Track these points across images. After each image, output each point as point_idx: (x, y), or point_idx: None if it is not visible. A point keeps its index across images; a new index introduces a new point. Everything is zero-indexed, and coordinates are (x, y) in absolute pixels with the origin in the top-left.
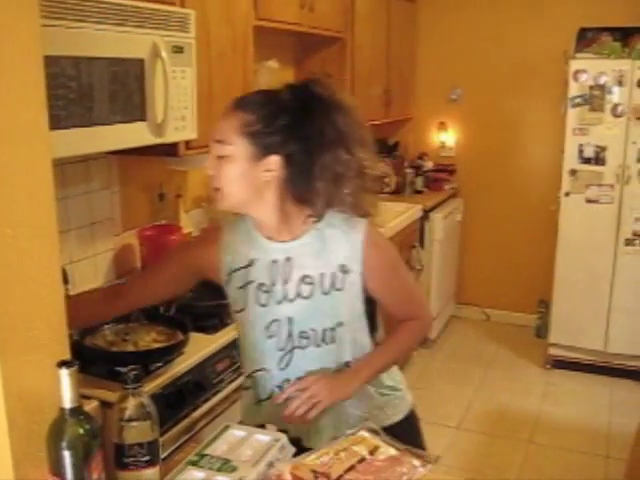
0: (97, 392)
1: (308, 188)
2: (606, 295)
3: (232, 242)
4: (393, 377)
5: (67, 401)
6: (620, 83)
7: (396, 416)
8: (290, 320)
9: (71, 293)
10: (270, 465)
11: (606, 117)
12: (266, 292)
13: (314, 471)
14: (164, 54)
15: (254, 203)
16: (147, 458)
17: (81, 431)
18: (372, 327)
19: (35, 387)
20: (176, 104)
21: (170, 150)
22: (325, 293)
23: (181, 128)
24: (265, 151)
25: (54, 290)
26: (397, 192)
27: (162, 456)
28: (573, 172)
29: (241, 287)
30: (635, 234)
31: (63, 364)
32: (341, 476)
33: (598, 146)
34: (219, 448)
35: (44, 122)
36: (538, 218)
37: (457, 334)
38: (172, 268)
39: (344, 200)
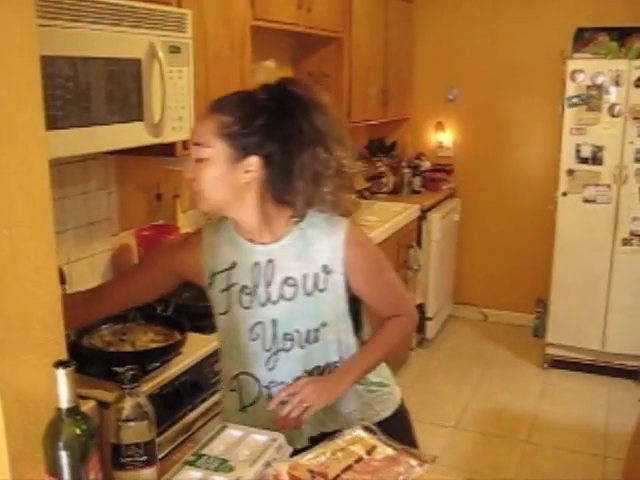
0: (94, 392)
1: (288, 188)
2: (603, 295)
3: (214, 245)
4: (380, 373)
5: (64, 401)
6: (617, 83)
7: (385, 412)
8: (274, 322)
9: (69, 293)
10: (267, 465)
11: (603, 117)
12: (249, 294)
13: (311, 471)
14: (161, 54)
15: (235, 205)
16: (144, 458)
17: (78, 431)
18: (358, 326)
19: (32, 387)
20: (173, 104)
21: (167, 150)
22: (308, 294)
23: (178, 128)
24: (244, 152)
25: (51, 290)
26: (395, 192)
27: (159, 456)
28: (570, 172)
29: (224, 290)
30: (632, 234)
31: (60, 364)
32: (338, 476)
33: (595, 146)
34: (216, 448)
35: (41, 122)
36: (535, 218)
37: (455, 334)
38: (153, 272)
39: (324, 199)
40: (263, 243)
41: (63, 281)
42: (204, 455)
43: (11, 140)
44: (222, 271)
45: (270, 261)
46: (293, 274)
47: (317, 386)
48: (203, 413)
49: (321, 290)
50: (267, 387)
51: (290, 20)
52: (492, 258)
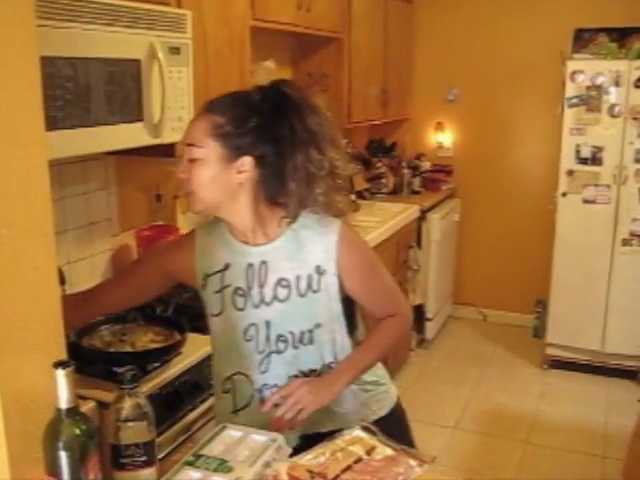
0: (94, 393)
1: (281, 189)
2: (603, 295)
3: (207, 246)
4: (375, 372)
5: (63, 401)
6: (617, 84)
7: (382, 411)
8: (268, 324)
9: (69, 294)
10: (267, 465)
11: (603, 117)
12: (242, 296)
13: (311, 471)
14: (161, 55)
15: (228, 206)
16: (144, 458)
17: (77, 431)
18: (352, 326)
19: (31, 387)
20: (173, 104)
21: (167, 151)
22: (301, 295)
23: (178, 129)
24: (237, 153)
25: (50, 291)
26: (394, 192)
27: (159, 456)
28: (570, 172)
29: (217, 291)
30: (632, 234)
31: (59, 364)
32: (338, 476)
33: (595, 146)
34: (216, 448)
35: (40, 123)
36: (535, 218)
37: (454, 334)
38: (146, 274)
39: (317, 200)
40: (256, 244)
41: (63, 281)
42: (203, 455)
43: (11, 140)
44: (215, 272)
45: (263, 262)
46: (286, 275)
47: (311, 387)
48: (203, 413)
49: (315, 291)
50: (259, 390)
51: (290, 20)
52: (492, 258)
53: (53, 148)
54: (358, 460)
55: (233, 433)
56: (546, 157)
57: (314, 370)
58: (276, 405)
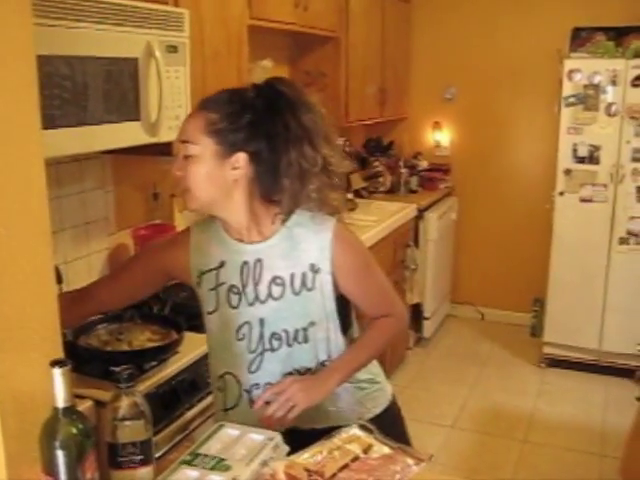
0: (91, 392)
1: (275, 186)
2: (600, 294)
3: (202, 244)
4: (371, 370)
5: (60, 400)
6: (614, 82)
7: (377, 409)
8: (262, 321)
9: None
10: (264, 464)
11: (600, 116)
12: (237, 294)
13: (308, 470)
14: (158, 53)
15: (223, 203)
16: (141, 457)
17: (74, 430)
18: (346, 325)
19: (28, 386)
20: (170, 103)
21: (164, 149)
22: (296, 293)
23: (175, 128)
24: (231, 149)
25: (47, 290)
26: (392, 191)
27: (156, 455)
28: (567, 171)
29: (212, 289)
30: (629, 233)
31: (56, 363)
32: (335, 475)
33: (592, 145)
34: (213, 447)
35: (37, 122)
36: (532, 217)
37: (452, 333)
38: (141, 271)
39: (310, 196)
40: (251, 242)
41: (60, 280)
42: (201, 454)
43: (7, 139)
44: (210, 270)
45: (258, 260)
46: (281, 273)
47: (303, 385)
48: (200, 412)
49: (309, 289)
50: (248, 391)
51: (287, 19)
52: (489, 257)
53: (50, 147)
54: (355, 458)
55: (230, 432)
56: (543, 156)
57: (309, 369)
58: (267, 403)
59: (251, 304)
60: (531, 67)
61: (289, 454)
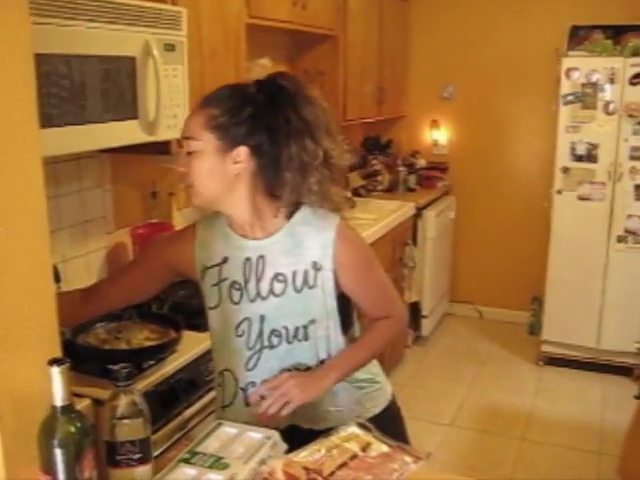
0: (89, 390)
1: (277, 179)
2: (598, 292)
3: (206, 239)
4: (370, 370)
5: (58, 399)
6: (612, 81)
7: (376, 408)
8: (262, 318)
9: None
10: (262, 462)
11: (598, 115)
12: (239, 290)
13: (306, 468)
14: (156, 52)
15: (226, 198)
16: (139, 456)
17: (72, 429)
18: (347, 324)
19: (26, 385)
20: (168, 102)
21: (162, 148)
22: (297, 291)
23: (173, 126)
24: (232, 143)
25: (45, 288)
26: (390, 190)
27: (155, 454)
28: (565, 169)
29: (215, 284)
30: (627, 231)
31: (54, 362)
32: (333, 473)
33: (590, 144)
34: (211, 445)
35: (34, 120)
36: (531, 215)
37: (450, 331)
38: (148, 266)
39: (311, 189)
40: (255, 238)
41: (58, 279)
42: (199, 452)
43: (5, 138)
44: (214, 266)
45: (261, 257)
46: (283, 270)
47: (299, 381)
48: (198, 411)
49: (310, 287)
50: (244, 389)
51: (285, 18)
52: (487, 256)
53: (48, 146)
54: (353, 457)
55: (228, 430)
56: (541, 154)
57: (309, 367)
58: (263, 398)
59: (252, 300)
60: (529, 65)
61: (287, 453)
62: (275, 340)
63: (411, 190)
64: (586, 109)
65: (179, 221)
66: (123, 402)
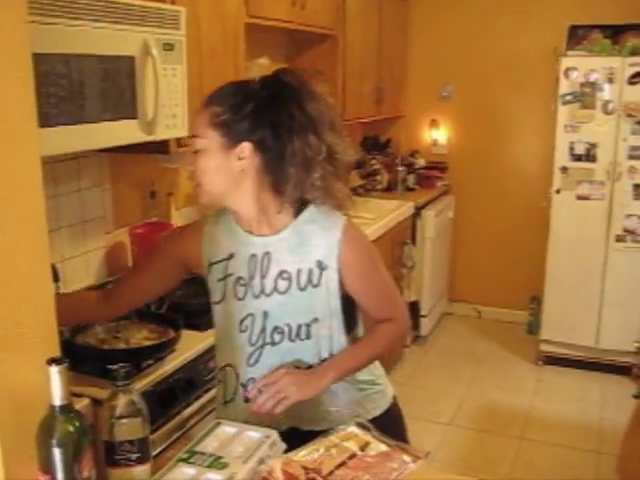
0: (88, 390)
1: (282, 175)
2: (597, 291)
3: (214, 234)
4: (372, 371)
5: (57, 398)
6: (611, 80)
7: (376, 410)
8: (265, 314)
9: (62, 291)
10: (261, 461)
11: (597, 114)
12: (244, 286)
13: (305, 467)
14: (155, 51)
15: (233, 194)
16: (138, 455)
17: (71, 429)
18: (351, 324)
19: (25, 385)
20: (167, 102)
21: (161, 148)
22: (301, 289)
23: (172, 126)
24: (235, 139)
25: (44, 288)
26: (389, 189)
27: (154, 453)
28: (564, 169)
29: (221, 279)
30: (626, 230)
31: (53, 361)
32: (332, 472)
33: (589, 143)
34: (210, 445)
35: (33, 120)
36: (529, 215)
37: (449, 331)
38: (161, 261)
39: (315, 185)
40: (261, 235)
41: (56, 279)
42: (197, 452)
43: (3, 137)
44: (220, 261)
45: (267, 253)
46: (288, 268)
47: (296, 378)
48: (197, 410)
49: (315, 286)
50: (244, 385)
51: (284, 17)
52: (486, 255)
53: (46, 145)
54: (352, 456)
55: (227, 429)
56: (540, 154)
57: (310, 366)
58: (260, 392)
59: (256, 296)
60: (528, 65)
61: (286, 451)
62: (277, 337)
63: (410, 190)
64: (585, 109)
65: (178, 221)
66: (122, 402)
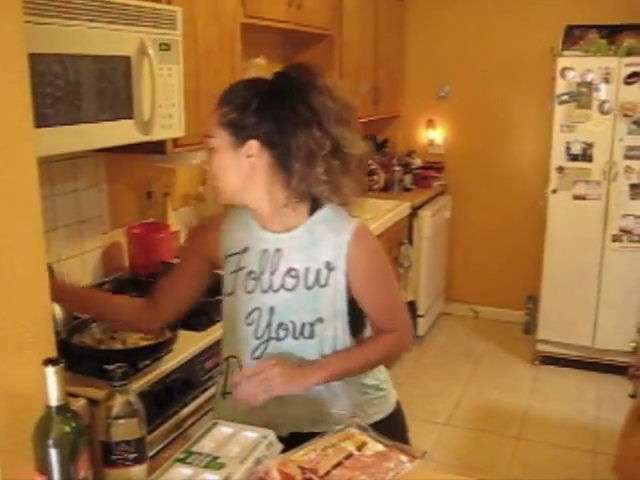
0: (85, 390)
1: (289, 170)
2: (594, 291)
3: (231, 228)
4: (377, 377)
5: (53, 399)
6: (607, 80)
7: (377, 415)
8: (272, 310)
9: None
10: (258, 462)
11: (593, 114)
12: (254, 280)
13: (301, 467)
14: (151, 51)
15: (246, 192)
16: (134, 455)
17: (67, 429)
18: (359, 326)
19: (21, 385)
20: (163, 102)
21: (158, 148)
22: (308, 288)
23: (168, 126)
24: (243, 137)
25: (40, 288)
26: (386, 189)
27: (151, 453)
28: (560, 169)
29: (233, 272)
30: (622, 230)
31: (49, 362)
32: (329, 472)
33: (585, 143)
34: (207, 445)
35: (29, 121)
36: (526, 215)
37: (446, 331)
38: (191, 261)
39: (319, 179)
40: (275, 232)
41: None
42: (194, 452)
43: None
44: (235, 254)
45: (278, 250)
46: (296, 266)
47: (285, 371)
48: (194, 410)
49: (322, 286)
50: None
51: (280, 17)
52: (483, 255)
53: (43, 145)
54: (349, 456)
55: (224, 430)
56: (537, 154)
57: (309, 361)
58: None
59: (264, 291)
60: (524, 65)
61: (283, 452)
62: (282, 333)
63: (407, 189)
64: (581, 109)
65: (174, 221)
66: (118, 402)
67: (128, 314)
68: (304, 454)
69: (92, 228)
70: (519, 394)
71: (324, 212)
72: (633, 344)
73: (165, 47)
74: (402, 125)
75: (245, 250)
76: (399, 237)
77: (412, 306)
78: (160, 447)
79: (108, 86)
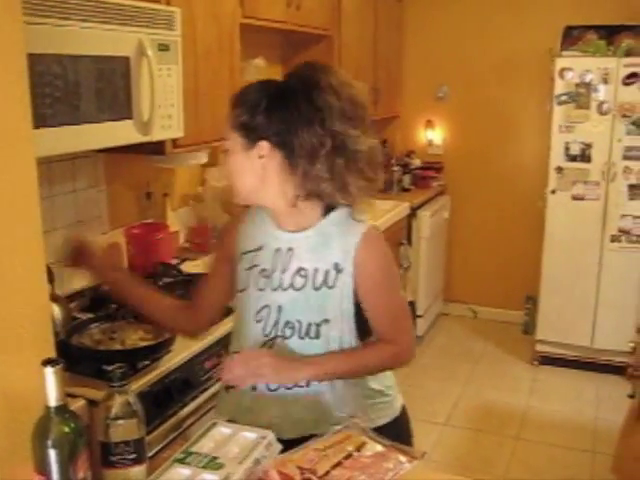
0: (84, 391)
1: (296, 169)
2: (593, 291)
3: (248, 227)
4: (384, 382)
5: (52, 399)
6: (605, 81)
7: (380, 420)
8: (280, 308)
9: (57, 292)
10: (257, 462)
11: (592, 115)
12: (266, 277)
13: (300, 468)
14: (150, 52)
15: (261, 192)
16: (133, 456)
17: (66, 429)
18: (367, 329)
19: (20, 385)
20: (162, 102)
21: (157, 148)
22: (316, 288)
23: (167, 126)
24: (254, 138)
25: (39, 289)
26: (384, 190)
27: (150, 454)
28: (559, 169)
29: (247, 269)
30: (621, 230)
31: (48, 362)
32: (327, 472)
33: (584, 143)
34: (206, 445)
35: (28, 121)
36: (525, 215)
37: (445, 331)
38: (220, 263)
39: (321, 177)
40: (289, 231)
41: (51, 280)
42: (193, 452)
43: None
44: (250, 251)
45: (290, 249)
46: (306, 266)
47: (274, 363)
48: (193, 411)
49: (329, 287)
50: None
51: (279, 18)
52: (482, 255)
53: (42, 146)
54: (348, 456)
55: (223, 430)
56: (535, 154)
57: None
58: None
59: (274, 289)
60: (523, 65)
61: (282, 452)
62: (288, 332)
63: (406, 190)
64: (580, 109)
65: (173, 221)
66: (117, 402)
67: (163, 312)
68: (303, 454)
69: (91, 229)
70: (518, 394)
71: (337, 214)
72: (632, 344)
73: (164, 47)
74: (401, 125)
75: (260, 248)
76: (398, 237)
77: (411, 307)
78: (159, 447)
79: (107, 86)
